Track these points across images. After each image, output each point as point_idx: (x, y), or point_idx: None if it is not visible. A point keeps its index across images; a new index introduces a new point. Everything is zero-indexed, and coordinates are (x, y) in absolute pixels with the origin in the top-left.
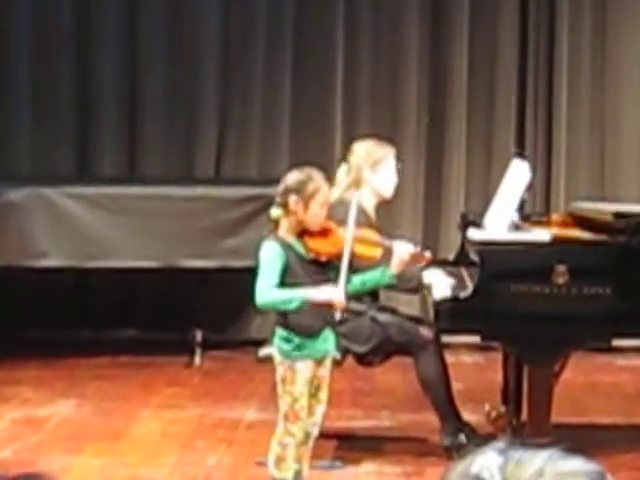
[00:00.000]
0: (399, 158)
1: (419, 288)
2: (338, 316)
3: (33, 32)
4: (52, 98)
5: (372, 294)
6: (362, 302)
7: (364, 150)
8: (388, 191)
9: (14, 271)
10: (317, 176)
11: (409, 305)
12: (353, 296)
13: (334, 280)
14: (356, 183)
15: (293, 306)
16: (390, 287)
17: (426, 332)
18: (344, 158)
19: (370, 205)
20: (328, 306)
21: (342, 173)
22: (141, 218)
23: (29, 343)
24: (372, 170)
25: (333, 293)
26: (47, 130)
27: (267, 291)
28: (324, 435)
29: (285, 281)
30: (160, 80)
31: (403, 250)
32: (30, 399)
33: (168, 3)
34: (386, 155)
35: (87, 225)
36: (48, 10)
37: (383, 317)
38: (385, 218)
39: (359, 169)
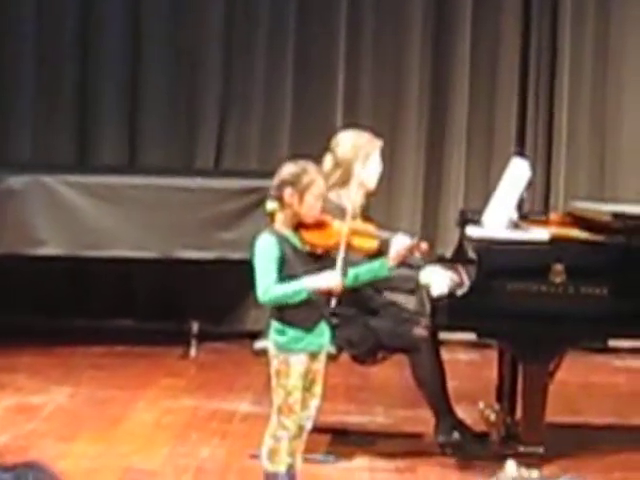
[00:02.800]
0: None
1: (415, 289)
2: (334, 303)
3: (36, 20)
4: (53, 87)
5: (375, 289)
6: (353, 307)
7: (352, 142)
8: (372, 183)
9: (12, 259)
10: (312, 168)
11: (407, 299)
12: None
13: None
14: (344, 179)
15: (299, 298)
16: (387, 288)
17: (420, 331)
18: (327, 147)
19: (358, 198)
20: (327, 293)
21: (328, 164)
22: (140, 208)
23: (25, 331)
24: (363, 165)
25: (331, 279)
26: (48, 118)
27: (270, 287)
28: (317, 429)
29: (282, 274)
30: (161, 70)
31: (400, 242)
32: (25, 387)
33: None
34: (374, 148)
35: (86, 214)
36: (52, 4)
37: (375, 322)
38: (385, 213)
39: (349, 164)
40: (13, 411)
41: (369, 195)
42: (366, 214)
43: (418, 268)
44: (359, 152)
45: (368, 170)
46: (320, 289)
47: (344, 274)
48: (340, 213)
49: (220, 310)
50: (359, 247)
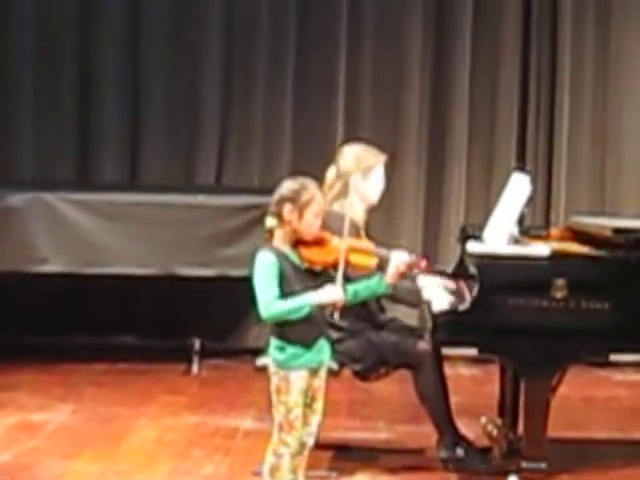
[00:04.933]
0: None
1: (417, 303)
2: (337, 316)
3: (36, 36)
4: (54, 104)
5: (379, 306)
6: (356, 322)
7: (355, 156)
8: (375, 197)
9: (13, 276)
10: (311, 185)
11: (408, 315)
12: (350, 314)
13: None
14: (344, 191)
15: (303, 313)
16: (389, 297)
17: (423, 346)
18: (333, 160)
19: (359, 211)
20: (331, 306)
21: (331, 175)
22: (141, 225)
23: (26, 348)
24: (363, 177)
25: (334, 292)
26: (48, 136)
27: (272, 304)
28: (320, 445)
29: (281, 291)
30: (162, 87)
31: (399, 259)
32: (27, 404)
33: (170, 10)
34: (377, 162)
35: (87, 231)
36: (51, 15)
37: (377, 337)
38: (385, 229)
39: (349, 175)
40: (15, 429)
41: (371, 210)
42: (367, 231)
43: (413, 279)
44: (360, 164)
45: (369, 184)
46: (323, 303)
47: (345, 291)
48: (352, 227)
49: (222, 327)
50: (358, 264)
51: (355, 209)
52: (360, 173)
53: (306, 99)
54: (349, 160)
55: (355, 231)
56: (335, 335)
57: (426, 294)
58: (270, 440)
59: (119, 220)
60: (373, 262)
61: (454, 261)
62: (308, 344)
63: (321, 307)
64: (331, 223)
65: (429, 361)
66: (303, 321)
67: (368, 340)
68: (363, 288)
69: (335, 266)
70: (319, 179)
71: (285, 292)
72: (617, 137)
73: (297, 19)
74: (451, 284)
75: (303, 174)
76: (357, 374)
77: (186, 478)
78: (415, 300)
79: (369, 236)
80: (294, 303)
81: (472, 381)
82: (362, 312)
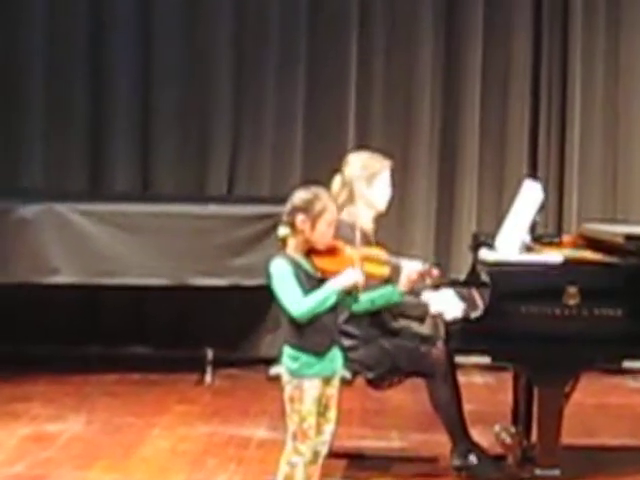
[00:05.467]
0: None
1: (424, 317)
2: (360, 296)
3: (48, 48)
4: (65, 114)
5: (392, 315)
6: (371, 329)
7: (360, 163)
8: (382, 204)
9: (25, 287)
10: (324, 195)
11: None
12: (363, 322)
13: (341, 299)
14: (351, 198)
15: (331, 302)
16: (396, 314)
17: (437, 354)
18: (338, 169)
19: (368, 219)
20: (353, 288)
21: (337, 184)
22: (153, 235)
23: (39, 359)
24: (367, 184)
25: (353, 274)
26: (60, 146)
27: (300, 301)
28: (333, 454)
29: None
30: (173, 97)
31: (411, 268)
32: (40, 415)
33: (182, 20)
34: (382, 168)
35: (99, 242)
36: (63, 26)
37: (391, 345)
38: (397, 237)
39: (354, 182)
40: (29, 440)
41: (379, 217)
42: (377, 239)
43: (417, 294)
44: (364, 171)
45: (376, 190)
46: (346, 286)
47: (356, 300)
48: (353, 231)
49: (234, 336)
50: (370, 273)
51: (362, 217)
52: (365, 180)
53: (317, 108)
54: (354, 167)
55: (364, 239)
56: (348, 343)
57: (434, 307)
58: (284, 449)
59: (131, 230)
60: (386, 271)
61: (466, 269)
62: (321, 353)
63: (346, 292)
64: (340, 232)
65: (443, 369)
66: (316, 330)
67: (381, 347)
68: (378, 296)
69: None
70: (330, 188)
71: None
72: (628, 144)
73: (308, 28)
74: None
75: (315, 183)
76: (370, 382)
77: None
78: (422, 314)
79: (378, 244)
80: (320, 294)
81: (486, 389)
82: (375, 320)
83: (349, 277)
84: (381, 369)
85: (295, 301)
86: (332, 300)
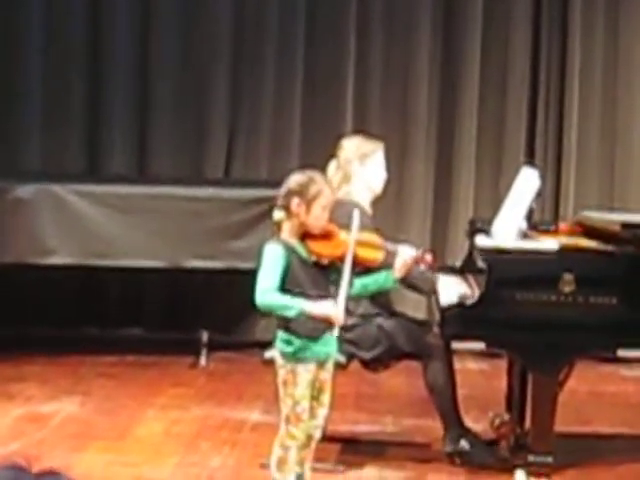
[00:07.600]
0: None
1: (428, 291)
2: (335, 332)
3: (46, 32)
4: (63, 97)
5: (386, 299)
6: (371, 307)
7: (353, 145)
8: (377, 186)
9: (21, 268)
10: (319, 179)
11: (416, 309)
12: (363, 300)
13: (336, 283)
14: (346, 178)
15: (291, 314)
16: (406, 284)
17: (434, 339)
18: (333, 154)
19: (366, 201)
20: (326, 321)
21: (332, 169)
22: (149, 218)
23: (34, 340)
24: (360, 163)
25: (332, 309)
26: (57, 128)
27: (267, 293)
28: (327, 438)
29: (287, 283)
30: (171, 80)
31: (406, 253)
32: (35, 396)
33: (180, 6)
34: (375, 149)
35: (95, 223)
36: (61, 12)
37: (390, 324)
38: (394, 224)
39: (348, 163)
40: (23, 420)
41: (377, 202)
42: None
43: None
44: (357, 151)
45: (369, 170)
46: (315, 315)
47: (350, 285)
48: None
49: (230, 319)
50: (365, 258)
51: (361, 200)
52: (358, 159)
53: (315, 93)
54: (348, 149)
55: (369, 222)
56: (348, 321)
57: (439, 286)
58: (277, 433)
59: (127, 212)
60: (380, 256)
61: (462, 256)
62: (315, 337)
63: (317, 319)
64: (340, 212)
65: (440, 351)
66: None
67: (379, 327)
68: (372, 282)
69: (343, 259)
70: (326, 173)
71: (291, 284)
72: (626, 133)
73: (306, 14)
74: (466, 290)
75: (312, 167)
76: (366, 364)
77: (193, 470)
78: (427, 287)
79: (376, 229)
80: (287, 301)
81: (480, 375)
82: (378, 298)
83: (326, 310)
84: (379, 349)
85: (264, 289)
86: (293, 313)
